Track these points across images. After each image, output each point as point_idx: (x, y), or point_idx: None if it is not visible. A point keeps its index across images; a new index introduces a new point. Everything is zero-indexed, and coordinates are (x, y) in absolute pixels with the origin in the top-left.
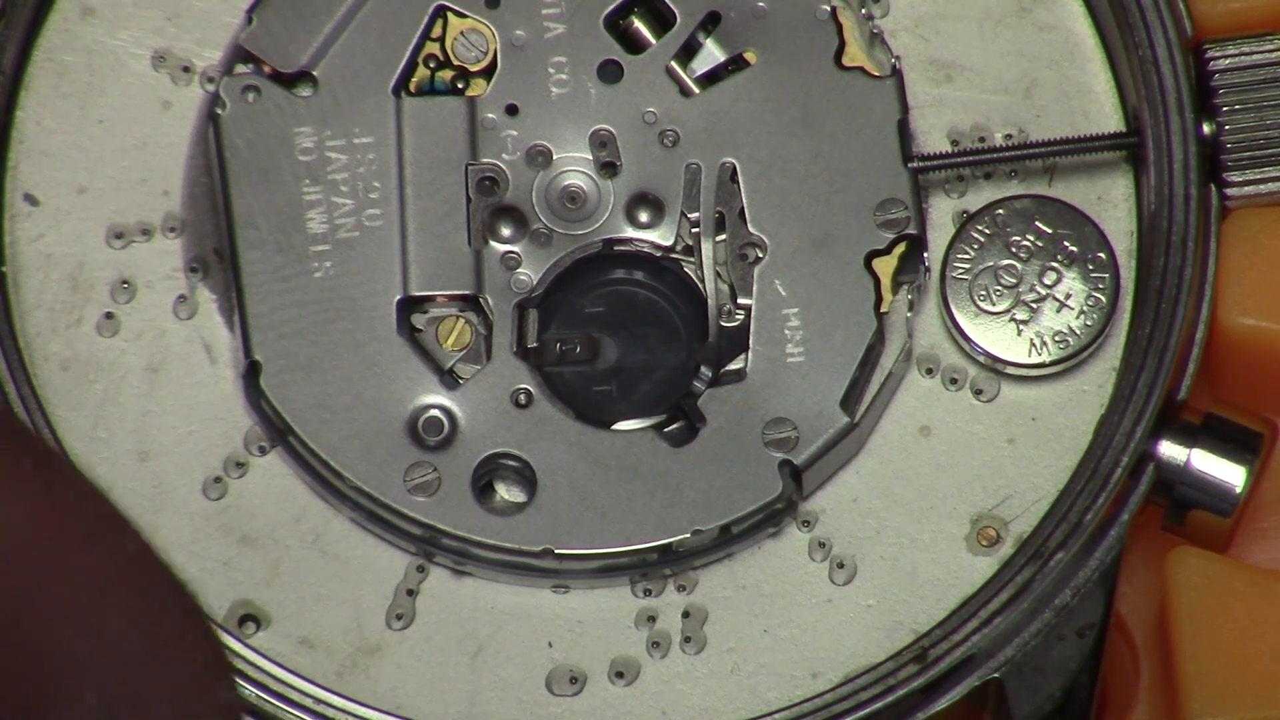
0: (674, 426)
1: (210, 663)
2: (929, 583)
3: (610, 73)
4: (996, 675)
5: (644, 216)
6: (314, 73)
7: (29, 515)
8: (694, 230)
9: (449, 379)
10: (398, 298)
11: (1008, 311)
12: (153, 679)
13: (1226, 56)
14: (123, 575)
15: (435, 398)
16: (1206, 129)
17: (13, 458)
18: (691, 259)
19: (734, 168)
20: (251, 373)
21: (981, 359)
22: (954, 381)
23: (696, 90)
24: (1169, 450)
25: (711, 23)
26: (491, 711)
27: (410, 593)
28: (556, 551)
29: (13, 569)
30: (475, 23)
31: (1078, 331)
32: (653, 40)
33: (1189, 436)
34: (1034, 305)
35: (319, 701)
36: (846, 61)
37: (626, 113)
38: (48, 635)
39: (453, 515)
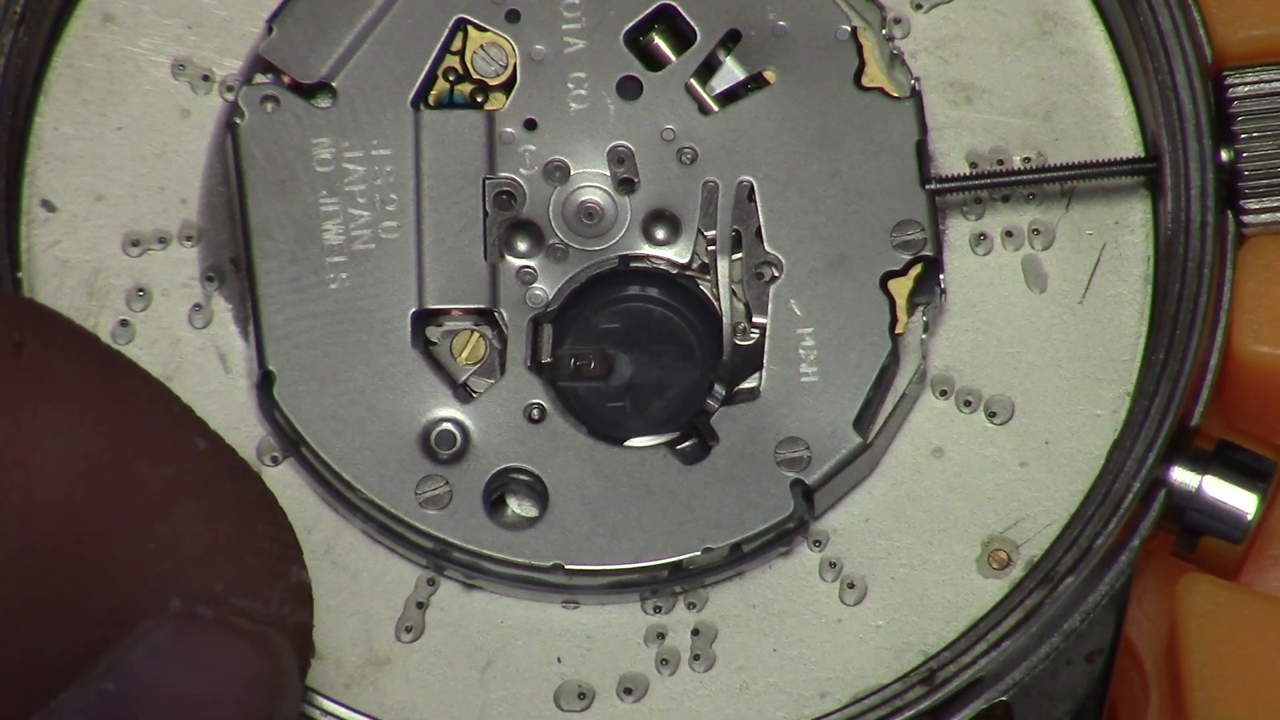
0: (687, 444)
1: (282, 546)
2: (939, 604)
3: (629, 89)
4: (1004, 699)
5: (660, 233)
6: (333, 84)
7: (100, 431)
8: (710, 248)
9: (462, 392)
10: (412, 310)
11: None
12: (230, 573)
13: (1246, 84)
14: (194, 476)
15: (448, 411)
16: (1224, 156)
17: (81, 369)
18: (707, 277)
19: (751, 186)
20: (265, 383)
21: None
22: (968, 404)
23: (715, 108)
24: (1181, 476)
25: (731, 41)
26: None
27: (420, 605)
28: (567, 567)
29: (88, 487)
30: (495, 37)
31: None
32: (672, 57)
33: (1201, 463)
34: None
35: (326, 714)
36: (866, 82)
37: (645, 129)
38: (127, 548)
39: (463, 529)
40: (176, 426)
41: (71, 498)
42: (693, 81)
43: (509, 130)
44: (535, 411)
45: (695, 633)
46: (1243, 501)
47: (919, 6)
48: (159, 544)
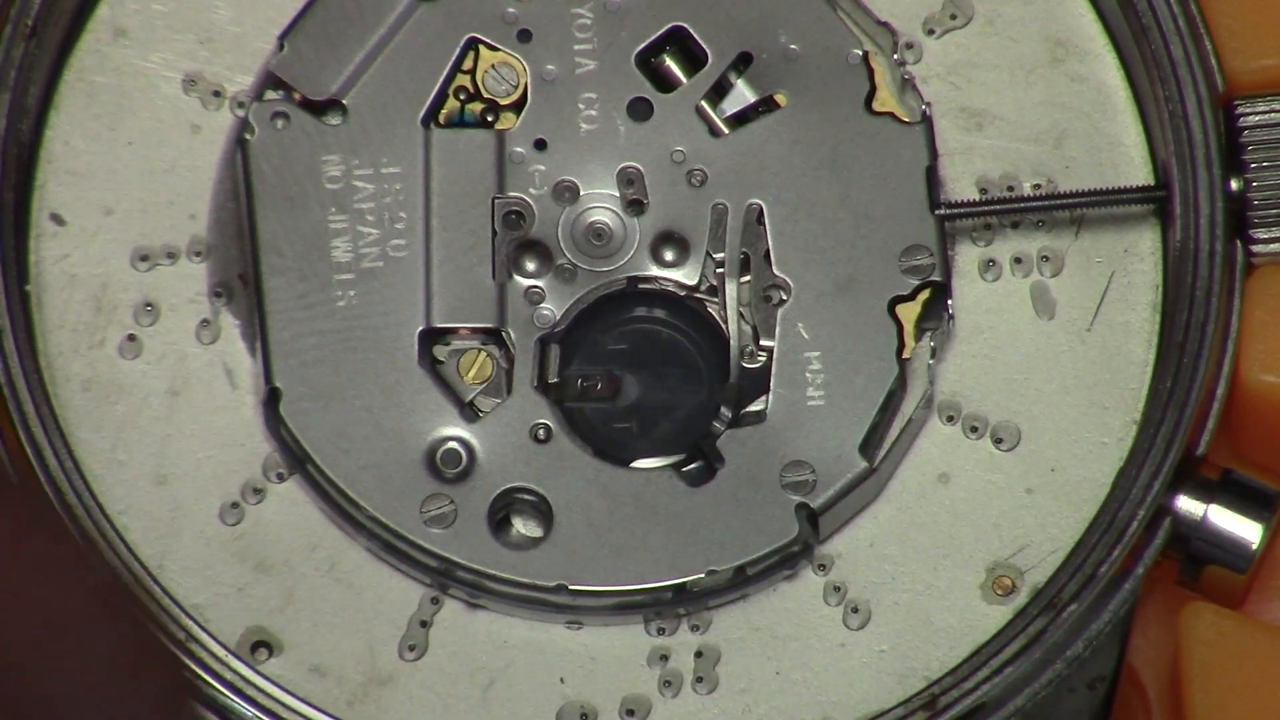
0: (692, 466)
1: (173, 688)
2: (943, 630)
3: (640, 110)
4: None
5: (669, 255)
6: (344, 101)
7: None
8: (719, 270)
9: (469, 412)
10: (420, 329)
11: None
12: (120, 711)
13: (1256, 113)
14: (87, 611)
15: (454, 430)
16: (1234, 185)
17: None
18: (715, 299)
19: (761, 209)
20: (271, 399)
21: None
22: (974, 430)
23: (726, 130)
24: (1186, 505)
25: (743, 63)
26: None
27: (423, 624)
28: (571, 587)
29: None
30: (507, 56)
31: None
32: (683, 79)
33: (1207, 492)
34: None
35: None
36: (877, 106)
37: (655, 151)
38: (13, 682)
39: (468, 548)
40: (72, 560)
41: None
42: (703, 103)
43: (519, 150)
44: (541, 431)
45: (698, 655)
46: (1247, 531)
47: (931, 32)
48: (51, 678)
